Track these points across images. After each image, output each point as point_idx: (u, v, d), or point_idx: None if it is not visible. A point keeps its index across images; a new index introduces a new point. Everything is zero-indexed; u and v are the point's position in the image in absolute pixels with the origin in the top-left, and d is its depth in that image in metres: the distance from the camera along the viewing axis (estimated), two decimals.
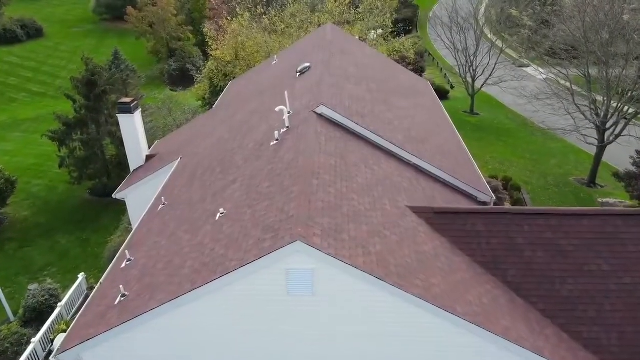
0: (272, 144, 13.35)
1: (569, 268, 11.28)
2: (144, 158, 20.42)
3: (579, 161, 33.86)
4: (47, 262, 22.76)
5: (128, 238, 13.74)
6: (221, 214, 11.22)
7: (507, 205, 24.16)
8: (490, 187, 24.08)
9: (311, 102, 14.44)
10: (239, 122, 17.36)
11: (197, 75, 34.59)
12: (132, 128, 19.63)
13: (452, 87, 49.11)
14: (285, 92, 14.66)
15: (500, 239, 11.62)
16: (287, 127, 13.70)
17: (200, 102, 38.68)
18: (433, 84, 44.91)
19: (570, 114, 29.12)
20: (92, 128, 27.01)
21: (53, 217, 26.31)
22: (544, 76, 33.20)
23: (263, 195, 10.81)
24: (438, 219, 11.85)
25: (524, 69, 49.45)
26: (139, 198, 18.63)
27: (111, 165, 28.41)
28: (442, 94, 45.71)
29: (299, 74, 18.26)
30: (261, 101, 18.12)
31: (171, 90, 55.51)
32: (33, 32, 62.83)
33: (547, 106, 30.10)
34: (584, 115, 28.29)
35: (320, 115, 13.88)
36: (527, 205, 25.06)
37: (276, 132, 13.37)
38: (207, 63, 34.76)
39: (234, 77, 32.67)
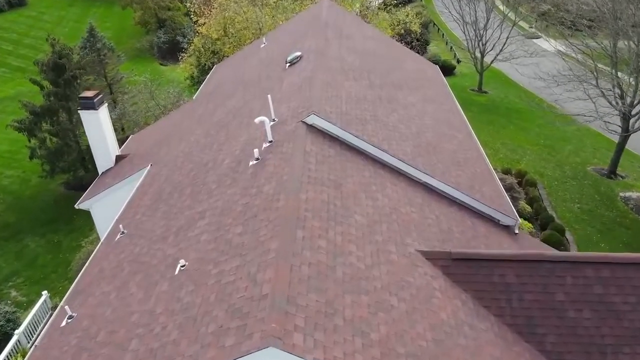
0: (250, 163, 10.75)
1: (625, 334, 8.89)
2: (114, 159, 17.82)
3: (596, 147, 31.17)
4: (13, 271, 20.43)
5: (76, 280, 11.29)
6: (182, 267, 8.73)
7: (523, 204, 21.69)
8: (505, 185, 21.59)
9: (300, 109, 11.75)
10: (217, 124, 14.67)
11: (182, 54, 31.51)
12: (97, 126, 16.95)
13: (458, 62, 45.92)
14: (269, 97, 11.95)
15: (535, 295, 9.16)
16: (270, 141, 11.09)
17: (188, 81, 35.76)
18: (438, 60, 41.97)
19: (591, 99, 26.26)
20: (64, 116, 24.27)
21: (23, 216, 23.86)
22: (561, 49, 30.13)
23: (233, 248, 8.28)
24: (457, 268, 9.36)
25: (536, 41, 46.19)
26: (106, 209, 16.13)
27: (88, 155, 25.77)
28: (448, 70, 42.73)
29: (288, 64, 15.48)
30: (244, 97, 15.38)
31: (161, 64, 52.34)
32: (15, 1, 59.09)
33: (567, 91, 27.18)
34: (608, 101, 25.43)
35: (312, 126, 11.24)
36: (543, 203, 22.59)
37: (256, 150, 10.74)
38: (194, 39, 31.66)
39: (224, 56, 29.70)
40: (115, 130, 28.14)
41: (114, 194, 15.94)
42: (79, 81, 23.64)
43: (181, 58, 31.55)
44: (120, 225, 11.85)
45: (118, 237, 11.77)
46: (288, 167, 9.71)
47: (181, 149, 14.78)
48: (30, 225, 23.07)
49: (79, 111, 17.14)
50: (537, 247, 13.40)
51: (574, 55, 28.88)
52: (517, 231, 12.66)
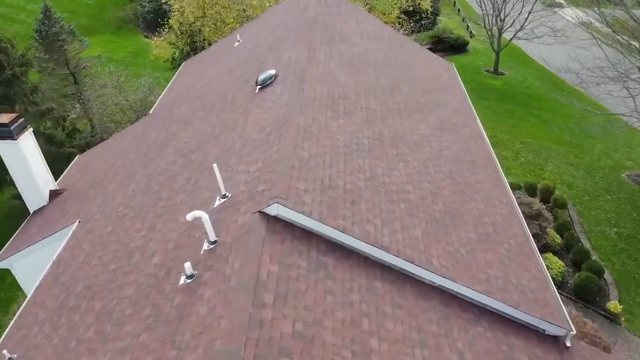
0: (180, 282, 7.03)
1: None
2: (47, 196, 14.06)
3: (630, 144, 27.00)
4: None
5: None
6: None
7: (552, 234, 17.89)
8: (532, 213, 17.79)
9: (262, 184, 7.89)
10: (162, 173, 10.80)
11: (157, 35, 27.11)
12: (19, 159, 13.09)
13: (472, 36, 41.10)
14: (215, 167, 8.05)
15: None
16: (214, 242, 7.32)
17: (168, 63, 31.48)
18: (450, 36, 37.25)
19: (632, 97, 22.03)
20: None
21: None
22: (588, 20, 25.59)
23: None
24: None
25: (562, 13, 41.04)
26: (31, 268, 12.57)
27: (46, 160, 21.99)
28: (461, 47, 38.11)
29: (259, 86, 11.46)
30: (200, 131, 11.46)
31: (145, 37, 47.65)
32: None
33: (600, 84, 22.86)
34: None
35: (275, 217, 7.44)
36: (575, 230, 18.80)
37: (188, 265, 6.97)
38: (171, 17, 27.22)
39: (204, 40, 25.38)
40: (86, 132, 24.29)
41: (39, 251, 12.32)
42: (24, 79, 19.59)
43: (155, 39, 27.18)
44: (5, 351, 8.23)
45: None
46: (227, 310, 5.98)
47: (115, 205, 10.99)
48: None
49: None
50: None
51: (602, 28, 24.41)
52: (569, 344, 8.98)
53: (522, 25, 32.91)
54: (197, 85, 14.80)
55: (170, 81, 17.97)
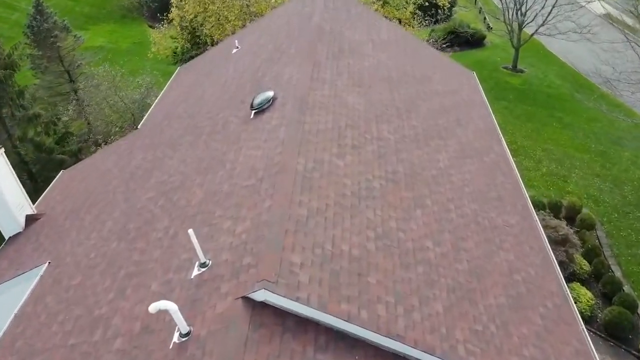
0: None
1: None
2: (23, 222, 12.64)
3: None
4: None
5: None
6: None
7: (579, 261, 16.22)
8: (558, 238, 16.14)
9: (248, 254, 6.37)
10: (140, 212, 9.29)
11: (156, 34, 25.40)
12: None
13: (489, 29, 38.93)
14: (191, 233, 6.53)
15: None
16: (184, 337, 5.84)
17: (170, 58, 29.82)
18: (467, 29, 35.15)
19: None
20: None
21: None
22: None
23: None
24: None
25: (584, 4, 38.73)
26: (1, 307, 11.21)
27: (36, 167, 20.65)
28: (478, 41, 36.02)
29: (254, 111, 9.86)
30: (186, 164, 9.91)
31: (150, 26, 45.81)
32: None
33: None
34: None
35: (264, 304, 5.92)
36: (605, 257, 17.12)
37: None
38: (172, 10, 25.50)
39: (205, 37, 23.72)
40: (81, 134, 22.75)
41: (9, 291, 10.93)
42: (10, 82, 18.12)
43: (154, 34, 25.46)
44: None
45: None
46: None
47: (88, 247, 9.52)
48: None
49: None
50: None
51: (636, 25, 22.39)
52: None
53: (545, 20, 30.79)
54: (190, 99, 13.20)
55: (164, 89, 16.38)
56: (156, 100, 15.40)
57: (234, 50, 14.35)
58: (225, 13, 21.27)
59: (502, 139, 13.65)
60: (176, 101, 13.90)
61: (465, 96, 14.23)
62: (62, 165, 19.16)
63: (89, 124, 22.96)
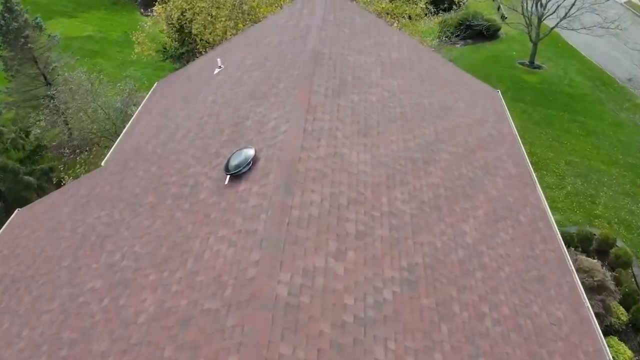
0: None
1: None
2: None
3: None
4: None
5: None
6: None
7: (616, 309, 14.00)
8: (593, 284, 13.89)
9: None
10: (68, 336, 7.08)
11: (139, 33, 22.72)
12: None
13: (503, 19, 36.05)
14: None
15: None
16: None
17: (160, 54, 27.17)
18: (482, 21, 32.28)
19: None
20: None
21: None
22: None
23: None
24: None
25: None
26: None
27: (4, 186, 18.39)
28: (492, 32, 33.20)
29: (229, 175, 7.54)
30: (140, 240, 7.65)
31: (141, 14, 42.93)
32: None
33: None
34: None
35: None
36: None
37: None
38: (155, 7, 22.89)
39: (194, 36, 21.17)
40: (57, 145, 20.31)
41: None
42: None
43: (137, 34, 22.81)
44: None
45: None
46: None
47: (13, 356, 7.35)
48: None
49: None
50: None
51: None
52: None
53: (567, 13, 27.98)
54: (161, 135, 10.83)
55: (138, 109, 13.98)
56: (127, 126, 13.01)
57: (216, 70, 11.92)
58: (214, 12, 18.69)
59: (535, 179, 11.29)
60: (146, 133, 11.53)
61: (491, 127, 11.80)
62: (29, 190, 16.96)
63: (70, 134, 20.67)
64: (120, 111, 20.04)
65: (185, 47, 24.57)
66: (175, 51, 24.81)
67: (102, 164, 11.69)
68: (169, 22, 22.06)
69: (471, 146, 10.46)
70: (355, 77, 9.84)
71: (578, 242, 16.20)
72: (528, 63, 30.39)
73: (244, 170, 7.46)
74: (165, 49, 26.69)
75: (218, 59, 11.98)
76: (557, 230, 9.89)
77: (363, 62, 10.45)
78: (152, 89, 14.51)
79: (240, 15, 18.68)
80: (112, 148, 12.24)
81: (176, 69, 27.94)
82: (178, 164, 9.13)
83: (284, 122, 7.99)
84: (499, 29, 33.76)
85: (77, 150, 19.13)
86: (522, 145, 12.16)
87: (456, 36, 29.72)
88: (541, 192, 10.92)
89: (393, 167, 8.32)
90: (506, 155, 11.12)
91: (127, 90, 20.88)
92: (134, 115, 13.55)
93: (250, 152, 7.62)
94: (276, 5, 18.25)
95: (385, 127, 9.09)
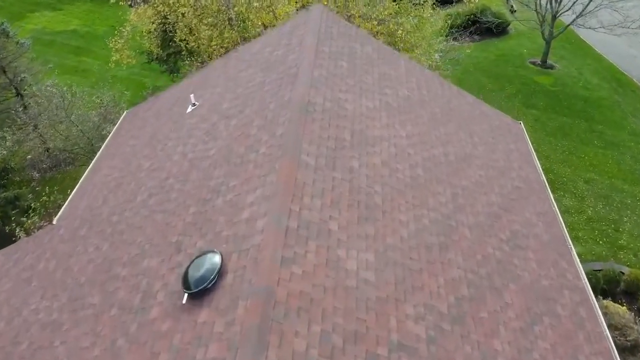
0: None
1: None
2: None
3: None
4: None
5: None
6: None
7: None
8: (626, 343, 12.09)
9: None
10: None
11: (116, 39, 20.50)
12: None
13: (512, 11, 33.70)
14: None
15: None
16: None
17: (144, 57, 24.95)
18: (491, 17, 29.94)
19: None
20: None
21: None
22: None
23: None
24: None
25: None
26: None
27: None
28: (501, 29, 30.86)
29: (187, 294, 5.65)
30: None
31: (130, 6, 40.36)
32: None
33: None
34: None
35: None
36: None
37: None
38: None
39: (180, 42, 19.00)
40: (29, 164, 18.31)
41: None
42: None
43: (113, 40, 20.62)
44: None
45: None
46: None
47: None
48: None
49: None
50: None
51: None
52: None
53: (583, 10, 25.69)
54: (119, 194, 8.86)
55: (106, 140, 12.00)
56: (88, 170, 11.02)
57: (189, 108, 9.92)
58: (195, 21, 16.51)
59: (570, 242, 9.39)
60: (105, 186, 9.57)
61: (516, 175, 9.85)
62: None
63: (42, 153, 18.71)
64: (97, 127, 18.05)
65: (171, 49, 22.42)
66: (160, 54, 22.67)
67: (55, 221, 9.77)
68: (147, 31, 19.94)
69: (495, 210, 8.53)
70: (354, 131, 7.86)
71: (604, 283, 14.38)
72: (540, 63, 28.17)
73: (207, 285, 5.56)
74: (150, 51, 24.47)
75: (191, 95, 9.95)
76: (603, 321, 8.01)
77: (364, 109, 8.45)
78: (120, 119, 12.47)
79: (227, 23, 16.52)
80: (64, 205, 10.28)
81: (162, 72, 25.89)
82: (132, 248, 7.23)
83: (261, 214, 6.05)
84: (507, 24, 31.43)
85: (49, 173, 17.20)
86: (550, 193, 10.22)
87: (466, 32, 27.52)
88: (577, 260, 9.02)
89: (403, 266, 6.41)
90: (535, 215, 9.19)
91: (106, 101, 18.83)
92: (98, 153, 11.57)
93: (216, 260, 5.71)
94: (268, 11, 16.09)
95: (392, 202, 7.15)
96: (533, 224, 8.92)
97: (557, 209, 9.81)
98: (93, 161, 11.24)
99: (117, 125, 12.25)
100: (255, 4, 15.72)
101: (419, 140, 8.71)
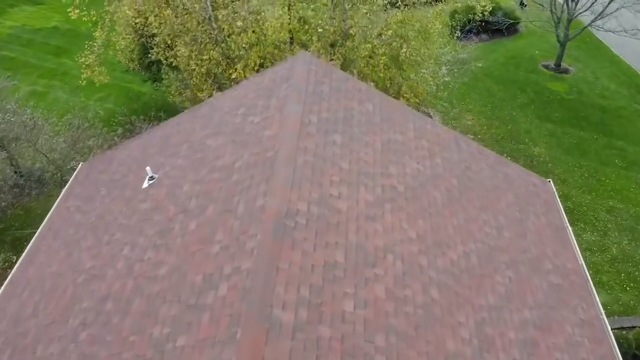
0: None
1: None
2: None
3: None
4: None
5: None
6: None
7: None
8: None
9: None
10: None
11: (86, 54, 18.19)
12: None
13: (522, 5, 31.20)
14: None
15: None
16: None
17: (125, 64, 22.65)
18: (503, 18, 27.46)
19: None
20: None
21: None
22: None
23: None
24: None
25: None
26: None
27: None
28: (511, 26, 28.46)
29: None
30: None
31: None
32: None
33: None
34: None
35: None
36: None
37: None
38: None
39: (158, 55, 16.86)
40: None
41: None
42: None
43: (83, 55, 18.29)
44: None
45: None
46: None
47: None
48: None
49: None
50: None
51: None
52: None
53: (603, 11, 23.32)
54: (40, 318, 6.91)
55: (56, 203, 9.97)
56: (28, 247, 9.01)
57: (146, 183, 7.87)
58: (171, 37, 14.32)
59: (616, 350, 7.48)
60: (37, 288, 7.59)
61: (551, 266, 7.87)
62: None
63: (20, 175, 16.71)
64: (66, 155, 16.03)
65: (152, 57, 20.21)
66: (138, 65, 20.49)
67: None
68: (120, 48, 17.77)
69: (531, 333, 6.56)
70: (349, 247, 5.84)
71: (637, 349, 12.52)
72: (554, 66, 25.90)
73: None
74: (132, 59, 22.16)
75: (148, 168, 7.88)
76: None
77: (363, 205, 6.42)
78: (74, 174, 10.40)
79: (207, 40, 14.30)
80: (12, 272, 8.30)
81: (145, 81, 23.61)
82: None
83: None
84: (517, 21, 28.99)
85: (10, 210, 15.22)
86: (592, 286, 8.25)
87: (473, 35, 25.23)
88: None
89: None
90: (579, 325, 7.24)
91: (75, 124, 16.77)
92: (47, 216, 9.55)
93: None
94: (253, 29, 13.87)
95: (398, 359, 5.18)
96: (578, 342, 6.98)
97: (601, 310, 7.84)
98: (38, 231, 9.22)
99: (69, 182, 10.18)
100: (239, 23, 13.48)
101: (432, 241, 6.69)
